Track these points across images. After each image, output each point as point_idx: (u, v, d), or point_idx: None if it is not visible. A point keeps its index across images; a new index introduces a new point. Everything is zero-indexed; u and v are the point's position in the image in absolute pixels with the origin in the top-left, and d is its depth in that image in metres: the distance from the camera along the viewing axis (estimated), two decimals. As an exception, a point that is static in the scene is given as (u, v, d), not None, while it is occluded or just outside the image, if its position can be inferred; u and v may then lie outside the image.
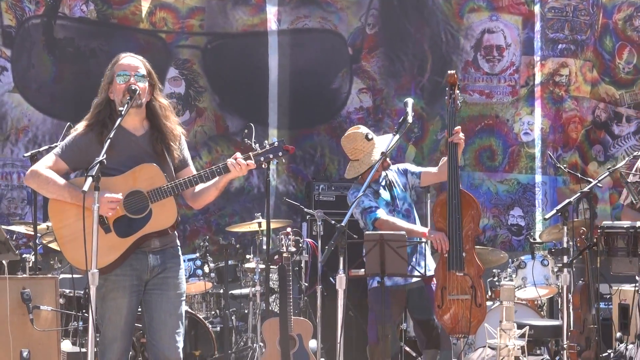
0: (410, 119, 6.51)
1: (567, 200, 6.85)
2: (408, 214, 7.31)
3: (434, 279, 7.03)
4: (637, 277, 6.70)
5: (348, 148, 7.39)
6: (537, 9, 11.33)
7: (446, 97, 7.16)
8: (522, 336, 6.07)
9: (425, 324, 7.16)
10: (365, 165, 7.21)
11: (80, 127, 5.48)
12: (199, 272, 8.66)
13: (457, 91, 7.12)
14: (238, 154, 5.45)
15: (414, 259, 7.13)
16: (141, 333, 6.61)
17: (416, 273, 6.96)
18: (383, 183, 7.34)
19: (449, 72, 7.27)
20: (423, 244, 7.19)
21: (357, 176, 7.32)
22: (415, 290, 7.18)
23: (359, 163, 7.28)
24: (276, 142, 5.53)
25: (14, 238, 9.04)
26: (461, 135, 6.97)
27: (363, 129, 7.38)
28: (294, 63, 10.95)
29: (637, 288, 6.79)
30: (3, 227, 8.55)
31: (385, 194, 7.29)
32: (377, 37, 11.11)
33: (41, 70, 10.34)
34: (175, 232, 5.55)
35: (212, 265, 8.85)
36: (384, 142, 7.10)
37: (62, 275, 7.95)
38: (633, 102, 11.28)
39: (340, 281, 5.68)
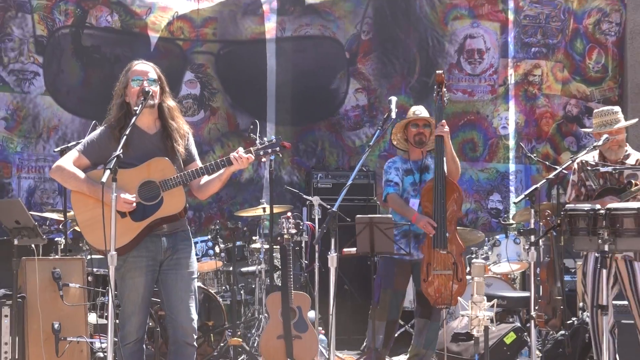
0: (393, 115, 6.60)
1: (534, 186, 6.93)
2: None
3: None
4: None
5: None
6: (512, 16, 11.41)
7: (434, 95, 7.19)
8: (492, 307, 6.18)
9: (422, 295, 7.16)
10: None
11: (101, 127, 5.61)
12: (211, 252, 8.80)
13: (444, 89, 7.15)
14: (240, 149, 5.53)
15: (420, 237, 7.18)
16: (158, 306, 6.69)
17: (402, 252, 7.03)
18: (419, 165, 7.37)
19: (437, 71, 7.31)
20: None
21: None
22: (417, 264, 7.16)
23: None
24: (274, 139, 5.60)
25: (47, 224, 9.12)
26: (445, 128, 7.03)
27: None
28: (297, 66, 11.01)
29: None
30: (37, 214, 8.72)
31: (415, 175, 7.32)
32: (371, 42, 11.17)
33: (70, 75, 10.45)
34: (185, 217, 5.62)
35: (222, 246, 8.96)
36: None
37: (91, 256, 8.08)
38: (602, 97, 11.31)
39: (332, 260, 5.73)
